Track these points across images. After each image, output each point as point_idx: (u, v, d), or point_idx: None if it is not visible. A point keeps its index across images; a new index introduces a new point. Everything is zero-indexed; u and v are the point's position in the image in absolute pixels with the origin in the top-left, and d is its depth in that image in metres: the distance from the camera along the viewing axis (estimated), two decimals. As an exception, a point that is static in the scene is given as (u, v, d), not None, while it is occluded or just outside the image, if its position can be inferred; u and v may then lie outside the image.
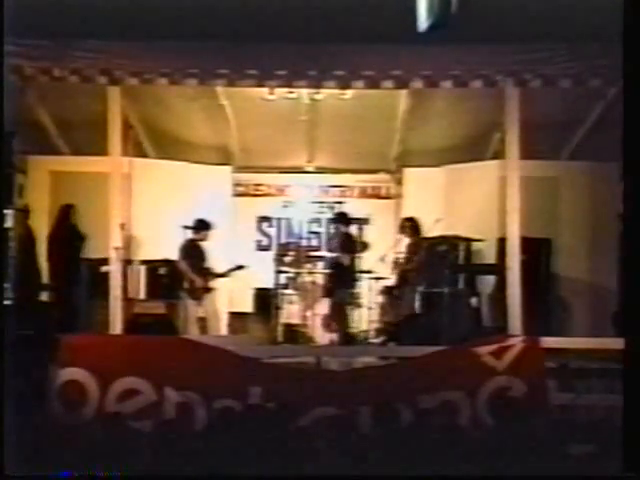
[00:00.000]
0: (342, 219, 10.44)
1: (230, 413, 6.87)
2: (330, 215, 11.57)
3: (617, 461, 4.93)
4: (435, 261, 9.52)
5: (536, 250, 9.57)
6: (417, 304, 9.52)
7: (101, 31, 7.60)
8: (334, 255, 10.10)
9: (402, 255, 9.90)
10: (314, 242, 11.64)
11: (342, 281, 9.81)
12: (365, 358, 8.16)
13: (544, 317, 9.22)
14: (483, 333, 8.70)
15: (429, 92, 8.92)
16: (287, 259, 10.75)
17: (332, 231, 10.64)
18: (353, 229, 10.64)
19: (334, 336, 9.74)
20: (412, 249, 9.85)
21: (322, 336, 10.04)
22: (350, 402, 6.95)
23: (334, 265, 9.98)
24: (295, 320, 10.39)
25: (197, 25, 7.36)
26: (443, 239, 9.71)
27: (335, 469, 6.39)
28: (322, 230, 11.75)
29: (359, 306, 10.16)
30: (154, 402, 6.99)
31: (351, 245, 10.07)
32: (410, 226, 9.97)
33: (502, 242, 8.69)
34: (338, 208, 11.74)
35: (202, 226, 9.90)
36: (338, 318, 9.82)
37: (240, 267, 9.95)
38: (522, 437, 6.65)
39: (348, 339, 9.70)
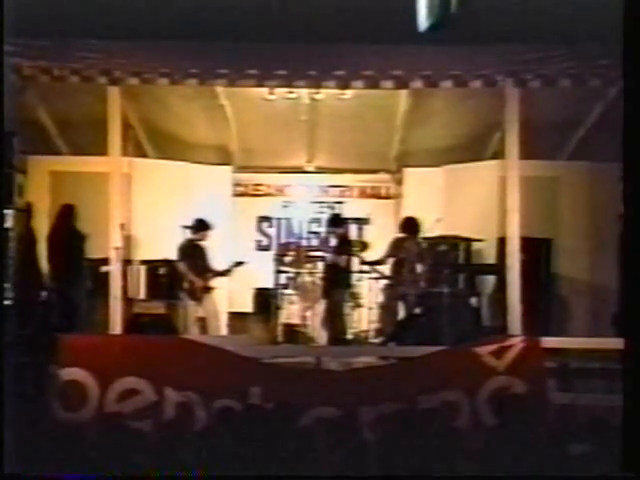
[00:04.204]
0: (335, 222, 10.44)
1: (230, 413, 6.87)
2: (328, 216, 11.56)
3: (617, 461, 4.93)
4: (435, 261, 9.52)
5: (536, 250, 9.57)
6: (417, 304, 9.51)
7: (101, 31, 7.61)
8: (330, 256, 10.10)
9: (403, 255, 9.87)
10: (314, 242, 11.63)
11: (339, 282, 9.80)
12: (365, 358, 8.17)
13: (544, 317, 9.22)
14: (483, 333, 8.71)
15: (429, 92, 8.93)
16: (287, 259, 10.73)
17: (329, 233, 10.64)
18: (349, 230, 10.63)
19: (332, 336, 9.73)
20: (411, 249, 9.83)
21: (322, 336, 10.04)
22: (350, 402, 6.95)
23: (331, 266, 9.97)
24: (295, 320, 10.38)
25: (197, 25, 7.36)
26: (443, 239, 9.71)
27: (335, 469, 6.39)
28: (322, 230, 11.74)
29: (358, 306, 10.15)
30: (154, 402, 6.99)
31: (347, 246, 10.07)
32: (409, 226, 9.93)
33: (502, 242, 8.70)
34: (338, 208, 11.75)
35: (201, 226, 9.88)
36: (335, 319, 9.82)
37: (240, 263, 9.91)
38: (522, 437, 6.65)
39: (345, 339, 9.69)
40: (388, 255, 9.82)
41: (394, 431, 6.76)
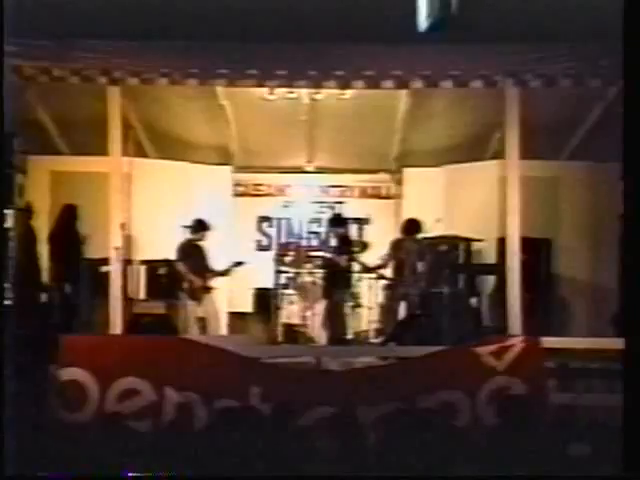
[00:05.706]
0: (337, 222, 10.45)
1: (230, 413, 6.88)
2: (329, 216, 11.57)
3: (617, 461, 4.93)
4: (435, 261, 9.51)
5: (536, 250, 9.58)
6: (417, 304, 9.51)
7: (101, 31, 7.61)
8: (331, 256, 10.11)
9: (404, 255, 9.88)
10: (314, 242, 11.64)
11: (339, 282, 9.81)
12: (365, 358, 8.17)
13: (544, 317, 9.22)
14: (483, 333, 8.71)
15: (429, 92, 8.92)
16: (287, 259, 10.74)
17: (329, 233, 10.64)
18: (350, 230, 10.64)
19: (332, 336, 9.74)
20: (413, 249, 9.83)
21: (322, 336, 10.04)
22: (350, 402, 6.95)
23: (331, 266, 9.98)
24: (295, 320, 10.38)
25: (197, 25, 7.36)
26: (443, 239, 9.71)
27: (335, 469, 6.39)
28: (322, 230, 11.75)
29: (358, 306, 10.15)
30: (154, 402, 7.00)
31: (348, 246, 10.07)
32: (410, 227, 9.94)
33: (502, 242, 8.70)
34: (338, 208, 11.76)
35: (200, 226, 9.88)
36: (335, 319, 9.82)
37: (239, 263, 9.91)
38: (522, 437, 6.65)
39: (345, 339, 9.70)
40: (389, 257, 9.83)
41: (394, 431, 6.76)
